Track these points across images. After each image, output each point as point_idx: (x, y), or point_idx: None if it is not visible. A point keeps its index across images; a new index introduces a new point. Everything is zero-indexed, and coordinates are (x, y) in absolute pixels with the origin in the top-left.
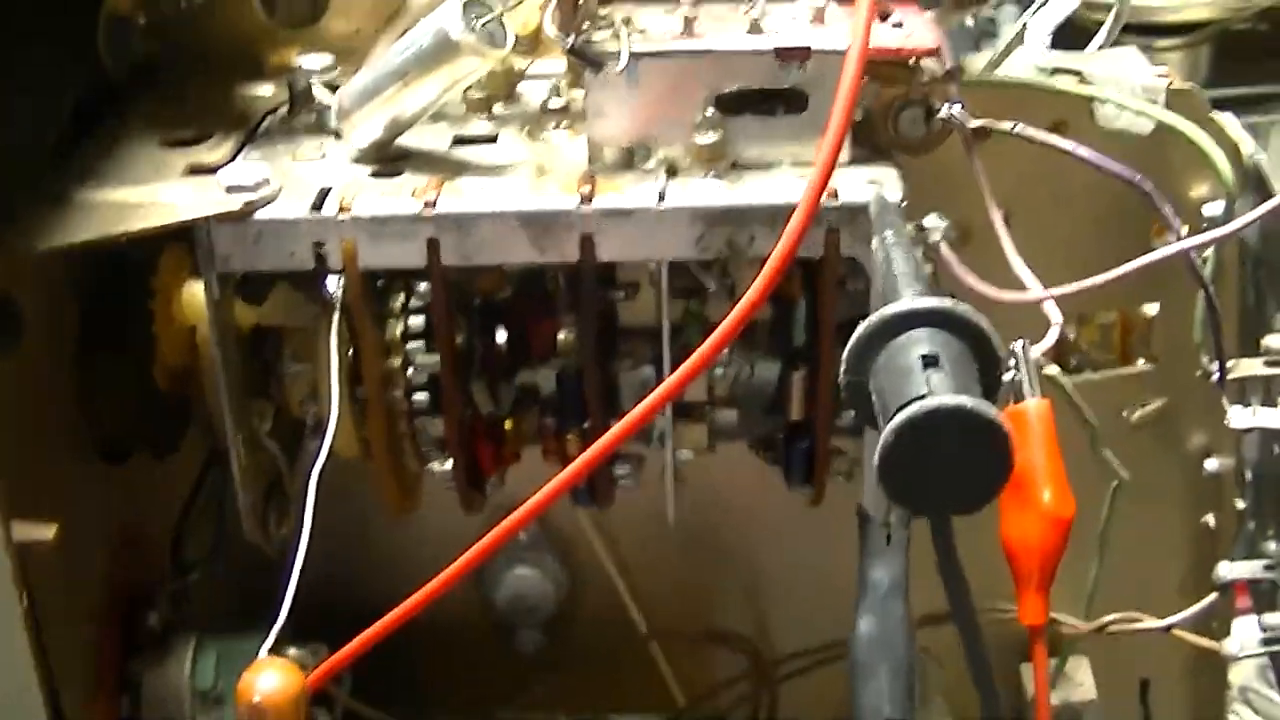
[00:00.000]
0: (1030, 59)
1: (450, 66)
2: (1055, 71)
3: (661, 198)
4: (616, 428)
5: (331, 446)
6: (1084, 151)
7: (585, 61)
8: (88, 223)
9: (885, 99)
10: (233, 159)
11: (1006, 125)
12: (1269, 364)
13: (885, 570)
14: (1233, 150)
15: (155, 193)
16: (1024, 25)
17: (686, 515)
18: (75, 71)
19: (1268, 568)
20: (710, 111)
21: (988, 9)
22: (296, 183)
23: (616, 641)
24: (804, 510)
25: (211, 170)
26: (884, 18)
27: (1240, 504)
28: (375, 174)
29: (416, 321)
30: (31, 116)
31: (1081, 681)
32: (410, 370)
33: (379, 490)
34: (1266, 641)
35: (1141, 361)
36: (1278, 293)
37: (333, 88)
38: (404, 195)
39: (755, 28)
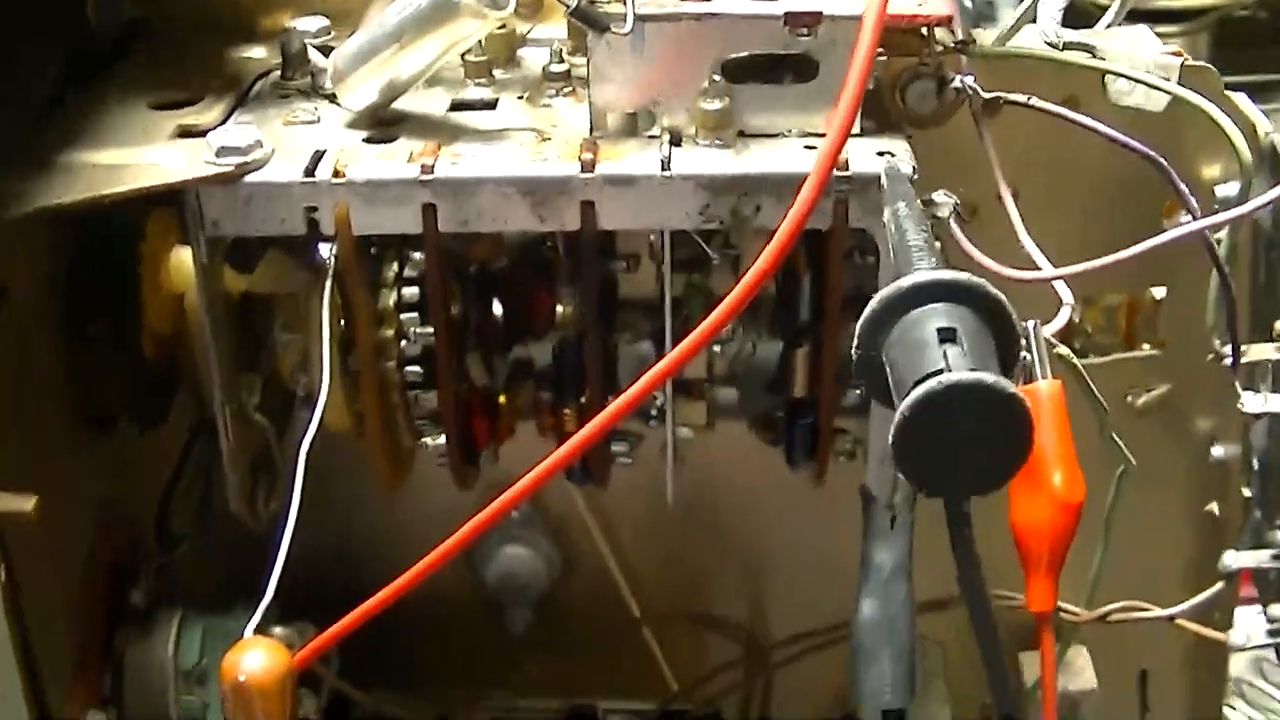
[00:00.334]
0: (1040, 35)
1: (449, 28)
2: (1067, 47)
3: (665, 165)
4: (618, 402)
5: (322, 419)
6: (1099, 125)
7: (589, 24)
8: (72, 185)
9: (894, 69)
10: (224, 122)
11: (1021, 97)
12: None
13: (889, 553)
14: (1249, 128)
15: (143, 155)
16: (1034, 1)
17: (682, 496)
18: (62, 32)
19: (1275, 557)
20: (717, 78)
21: None
22: (289, 146)
23: (609, 624)
24: (802, 492)
25: (202, 133)
26: None
27: (1247, 492)
28: (370, 138)
29: (411, 291)
30: (17, 77)
31: (1081, 670)
32: (404, 341)
33: (370, 465)
34: (1273, 632)
35: (1147, 346)
36: None
37: (326, 50)
38: (400, 160)
39: None
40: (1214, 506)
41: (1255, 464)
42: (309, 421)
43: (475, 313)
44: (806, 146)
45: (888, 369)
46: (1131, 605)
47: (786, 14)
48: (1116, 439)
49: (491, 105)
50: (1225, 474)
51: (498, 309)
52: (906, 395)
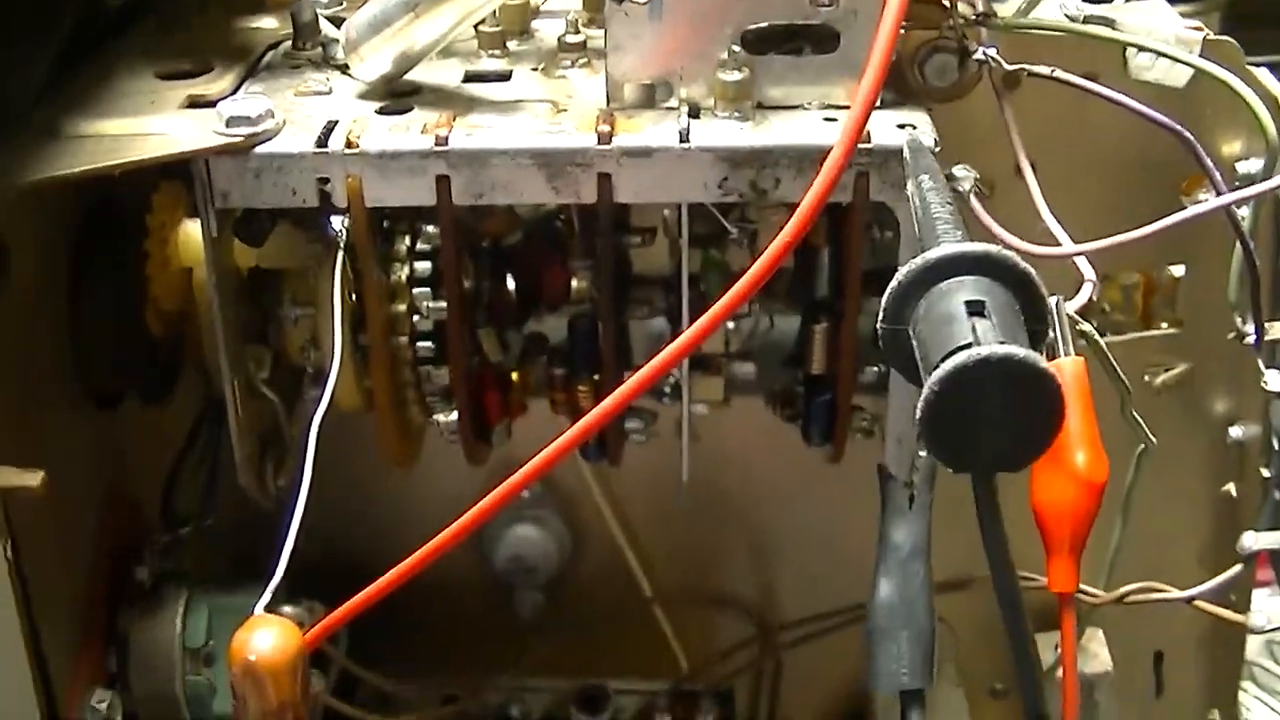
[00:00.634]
0: (1060, 8)
1: None
2: (1087, 20)
3: (684, 138)
4: (634, 379)
5: (332, 396)
6: (1123, 97)
7: None
8: (79, 155)
9: (915, 41)
10: (234, 92)
11: (1044, 70)
12: None
13: (907, 532)
14: (1273, 103)
15: (151, 125)
16: None
17: (695, 475)
18: (71, 0)
19: None
20: (736, 48)
21: None
22: (301, 117)
23: (619, 604)
24: (815, 471)
25: (211, 103)
26: None
27: (1266, 472)
28: (383, 110)
29: (423, 265)
30: (24, 47)
31: (1096, 653)
32: (416, 316)
33: (380, 442)
34: None
35: (1165, 325)
36: None
37: (338, 21)
38: (414, 131)
39: None
40: (1231, 487)
41: (1275, 444)
42: (319, 398)
43: (488, 287)
44: (826, 119)
45: (914, 343)
46: (1149, 586)
47: None
48: (1137, 417)
49: (506, 77)
50: (1243, 455)
51: (511, 284)
52: (935, 369)
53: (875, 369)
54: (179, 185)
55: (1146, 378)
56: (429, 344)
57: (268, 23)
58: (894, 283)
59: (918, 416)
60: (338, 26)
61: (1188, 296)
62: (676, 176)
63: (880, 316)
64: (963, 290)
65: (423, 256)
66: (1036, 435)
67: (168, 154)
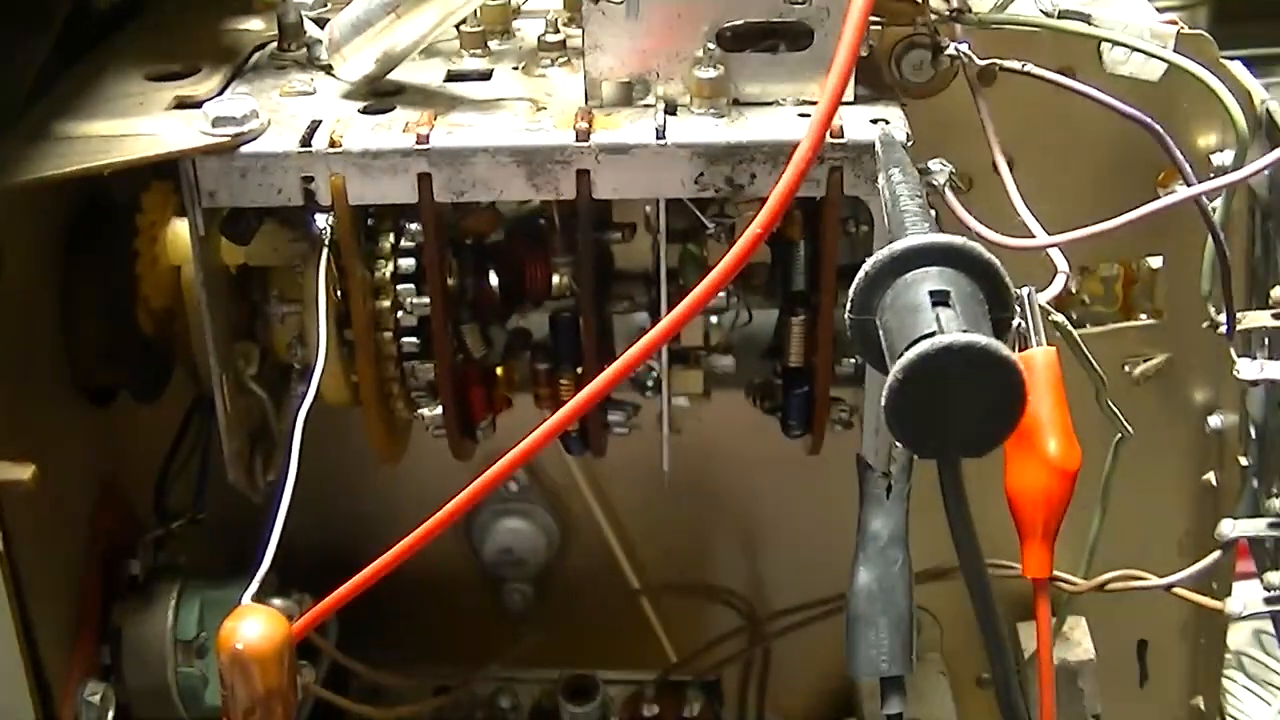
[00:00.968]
0: (1035, 3)
1: None
2: (1062, 15)
3: (660, 134)
4: (613, 368)
5: (319, 391)
6: (1095, 91)
7: None
8: (69, 155)
9: (890, 38)
10: (220, 93)
11: (1017, 64)
12: (1277, 316)
13: (885, 521)
14: (1245, 96)
15: (139, 126)
16: None
17: (680, 467)
18: (59, 2)
19: (1272, 525)
20: (711, 46)
21: None
22: (285, 117)
23: (607, 596)
24: (799, 463)
25: (198, 104)
26: None
27: (1244, 460)
28: (366, 109)
29: (407, 262)
30: (12, 48)
31: (1079, 641)
32: (400, 312)
33: (367, 437)
34: (1270, 600)
35: (1144, 315)
36: None
37: (322, 22)
38: (396, 130)
39: None
40: (1211, 476)
41: (1252, 432)
42: (306, 392)
43: (471, 283)
44: (801, 115)
45: (881, 333)
46: (1129, 574)
47: None
48: (1114, 407)
49: (487, 76)
50: (1222, 444)
51: (494, 280)
52: (899, 358)
53: (853, 361)
54: (168, 185)
55: (1127, 368)
56: (413, 339)
57: (254, 24)
58: (861, 274)
59: (882, 404)
60: (322, 27)
61: (1165, 287)
62: (654, 172)
63: (848, 307)
64: (928, 281)
65: (406, 253)
66: (1000, 421)
67: (155, 154)
